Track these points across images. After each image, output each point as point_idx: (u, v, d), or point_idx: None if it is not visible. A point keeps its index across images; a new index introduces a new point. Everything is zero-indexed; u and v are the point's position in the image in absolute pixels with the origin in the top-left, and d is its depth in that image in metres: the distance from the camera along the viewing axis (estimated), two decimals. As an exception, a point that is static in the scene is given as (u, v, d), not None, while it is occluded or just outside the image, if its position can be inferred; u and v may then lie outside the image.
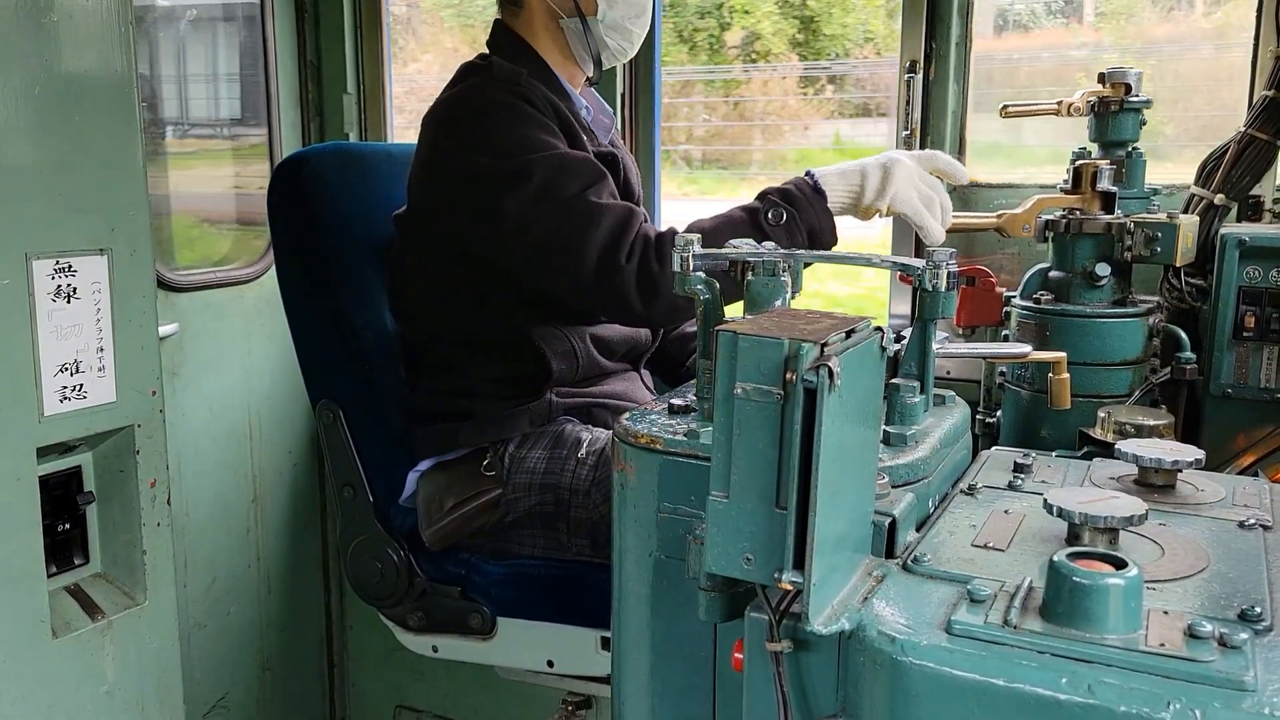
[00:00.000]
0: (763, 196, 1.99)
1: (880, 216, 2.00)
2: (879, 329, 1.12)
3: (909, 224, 1.99)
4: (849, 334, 1.05)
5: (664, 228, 1.99)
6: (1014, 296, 2.10)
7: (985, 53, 2.55)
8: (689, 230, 1.93)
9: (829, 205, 1.96)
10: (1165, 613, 0.98)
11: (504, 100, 2.00)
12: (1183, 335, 2.03)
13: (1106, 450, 1.59)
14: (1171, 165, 2.51)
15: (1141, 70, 2.03)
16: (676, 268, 1.43)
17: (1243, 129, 2.04)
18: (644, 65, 2.78)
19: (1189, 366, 2.00)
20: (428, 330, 2.18)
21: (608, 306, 2.05)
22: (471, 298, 2.09)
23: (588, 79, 2.24)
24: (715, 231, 1.92)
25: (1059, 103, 2.07)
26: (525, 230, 1.93)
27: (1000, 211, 2.07)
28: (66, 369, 1.67)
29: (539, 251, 1.94)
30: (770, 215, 1.93)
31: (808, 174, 2.00)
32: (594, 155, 2.05)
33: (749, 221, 1.94)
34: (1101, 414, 1.76)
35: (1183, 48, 2.62)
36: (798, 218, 1.94)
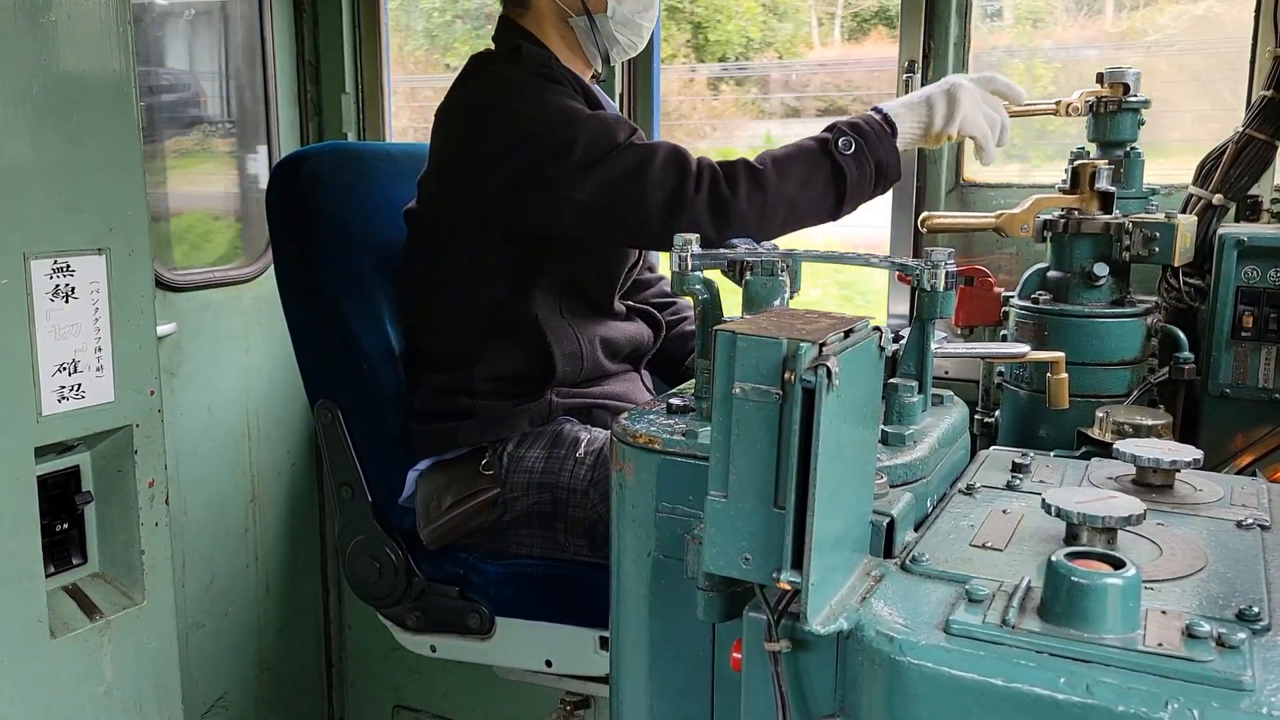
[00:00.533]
0: (832, 127, 2.00)
1: (949, 141, 2.04)
2: (877, 329, 1.12)
3: (975, 144, 2.02)
4: (847, 334, 1.05)
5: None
6: (1012, 296, 2.10)
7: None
8: (761, 158, 1.96)
9: (901, 137, 1.98)
10: (1163, 612, 0.98)
11: (535, 80, 2.02)
12: (1181, 335, 2.03)
13: (1105, 450, 1.59)
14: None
15: (1140, 70, 2.03)
16: (675, 267, 1.43)
17: (1241, 129, 2.05)
18: (643, 65, 2.78)
19: (1187, 366, 2.00)
20: (435, 327, 2.18)
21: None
22: (488, 289, 2.09)
23: (593, 75, 2.24)
24: (787, 160, 1.95)
25: (1057, 103, 2.07)
26: (582, 190, 1.92)
27: (999, 211, 2.07)
28: (64, 369, 1.67)
29: (602, 205, 1.94)
30: (841, 143, 1.94)
31: (875, 109, 2.01)
32: None
33: (819, 150, 1.96)
34: (1100, 414, 1.76)
35: (1068, 51, 2.73)
36: (866, 150, 1.95)
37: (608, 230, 2.00)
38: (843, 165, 1.93)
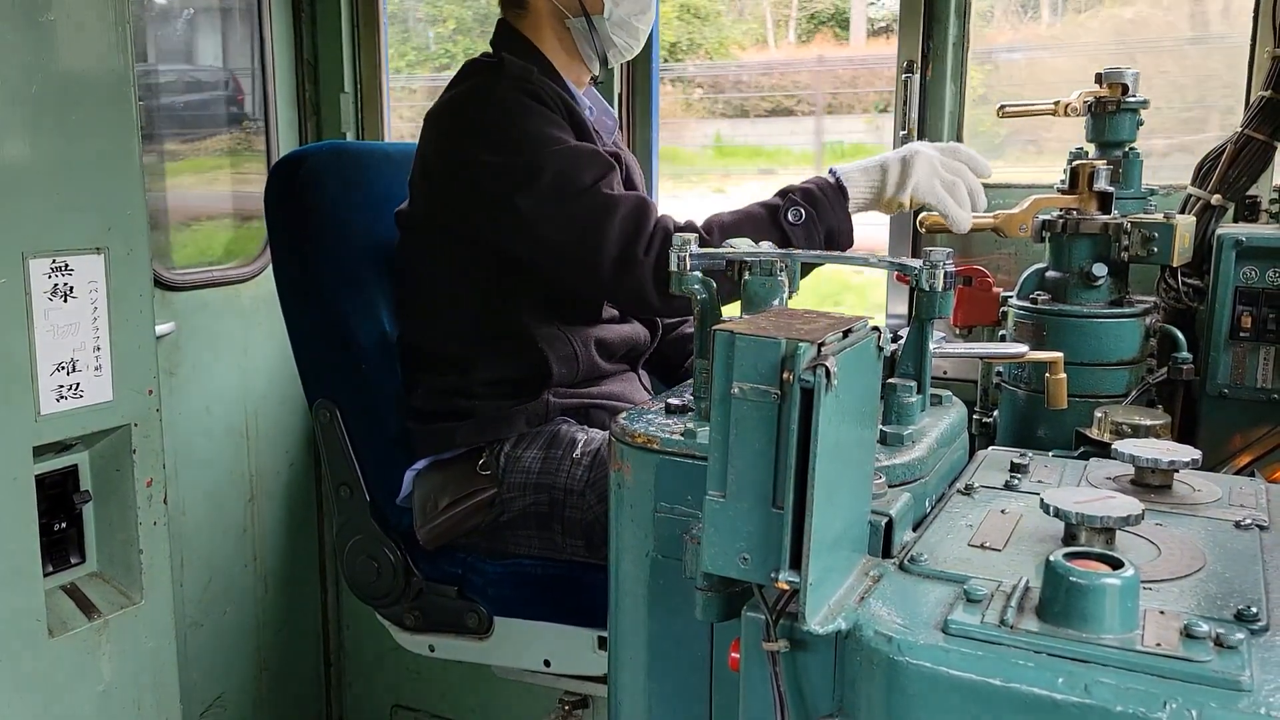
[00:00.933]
0: (784, 194, 1.99)
1: (905, 209, 2.02)
2: (876, 329, 1.12)
3: (938, 212, 2.00)
4: (846, 334, 1.05)
5: (682, 220, 1.99)
6: (1011, 296, 2.10)
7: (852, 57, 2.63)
8: (708, 224, 1.95)
9: (852, 201, 1.98)
10: (1162, 613, 0.98)
11: (514, 97, 2.01)
12: (1179, 335, 2.03)
13: (1103, 450, 1.59)
14: (1002, 162, 2.66)
15: (1139, 70, 2.03)
16: (674, 267, 1.43)
17: (1240, 129, 2.05)
18: (641, 66, 2.78)
19: (1185, 367, 2.00)
20: (430, 329, 2.18)
21: (623, 299, 2.05)
22: (477, 296, 2.09)
23: (592, 78, 2.24)
24: (735, 226, 1.94)
25: (1056, 103, 2.07)
26: (541, 225, 1.93)
27: (997, 212, 2.07)
28: (63, 368, 1.67)
29: (556, 245, 1.94)
30: (790, 215, 1.94)
31: (831, 171, 2.01)
32: None
33: (769, 219, 1.95)
34: (1098, 414, 1.76)
35: (997, 54, 2.78)
36: (817, 218, 1.95)
37: (556, 270, 1.99)
38: (790, 237, 1.93)
